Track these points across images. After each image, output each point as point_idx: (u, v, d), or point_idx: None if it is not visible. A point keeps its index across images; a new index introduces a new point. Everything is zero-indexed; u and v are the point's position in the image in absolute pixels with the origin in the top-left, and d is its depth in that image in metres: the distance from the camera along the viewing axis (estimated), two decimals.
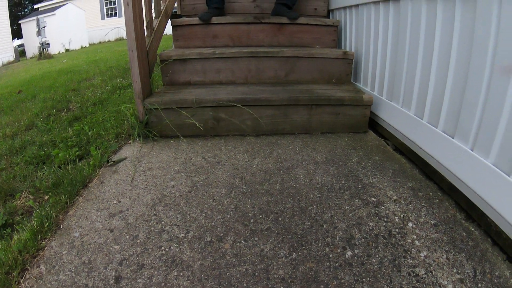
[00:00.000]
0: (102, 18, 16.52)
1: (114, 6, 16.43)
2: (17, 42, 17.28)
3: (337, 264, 0.82)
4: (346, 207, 1.04)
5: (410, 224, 0.96)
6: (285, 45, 2.06)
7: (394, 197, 1.09)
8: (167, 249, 0.89)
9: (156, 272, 0.81)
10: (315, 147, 1.48)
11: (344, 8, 2.03)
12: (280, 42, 2.06)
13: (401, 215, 1.00)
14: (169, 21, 2.01)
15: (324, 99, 1.56)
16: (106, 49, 10.38)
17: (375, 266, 0.81)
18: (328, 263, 0.82)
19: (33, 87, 3.89)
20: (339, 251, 0.86)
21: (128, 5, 1.39)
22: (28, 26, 14.20)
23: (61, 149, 1.59)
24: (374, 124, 1.70)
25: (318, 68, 1.82)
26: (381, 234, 0.92)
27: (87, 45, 14.84)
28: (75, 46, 14.14)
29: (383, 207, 1.04)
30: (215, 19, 1.97)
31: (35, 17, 13.25)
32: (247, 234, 0.93)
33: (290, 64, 1.80)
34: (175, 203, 1.09)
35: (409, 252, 0.85)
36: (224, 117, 1.59)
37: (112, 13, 16.48)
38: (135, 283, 0.78)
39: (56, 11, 13.67)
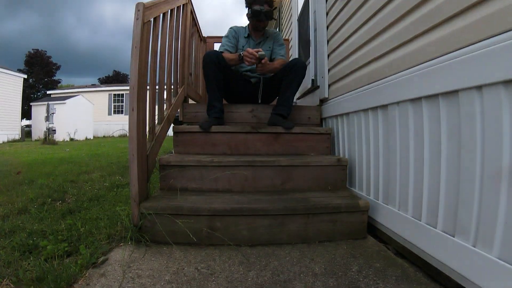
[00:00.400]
0: (109, 113, 17.96)
1: (122, 104, 18.05)
2: (25, 122, 18.23)
3: None
4: None
5: None
6: (281, 153, 2.18)
7: None
8: None
9: None
10: (313, 258, 1.39)
11: (336, 116, 2.25)
12: (276, 150, 2.19)
13: None
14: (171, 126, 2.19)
15: (321, 208, 1.55)
16: (109, 144, 10.85)
17: None
18: None
19: (32, 171, 3.96)
20: None
21: (133, 110, 1.54)
22: (38, 109, 15.03)
23: (51, 241, 1.52)
24: (372, 229, 1.64)
25: (313, 176, 1.88)
26: None
27: (92, 137, 15.57)
28: (80, 136, 14.82)
29: None
30: (214, 128, 2.14)
31: (46, 102, 14.00)
32: None
33: (286, 173, 1.87)
34: None
35: None
36: (219, 227, 1.54)
37: (119, 110, 17.96)
38: None
39: (67, 101, 14.80)
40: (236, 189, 1.85)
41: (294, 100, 3.47)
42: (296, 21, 3.85)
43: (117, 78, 34.79)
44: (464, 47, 1.05)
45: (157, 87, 2.04)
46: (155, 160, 1.85)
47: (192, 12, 3.04)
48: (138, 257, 1.40)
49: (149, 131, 1.83)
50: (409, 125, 1.36)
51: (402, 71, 1.42)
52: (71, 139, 14.34)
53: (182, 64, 2.66)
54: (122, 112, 18.17)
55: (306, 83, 2.96)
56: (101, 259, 1.36)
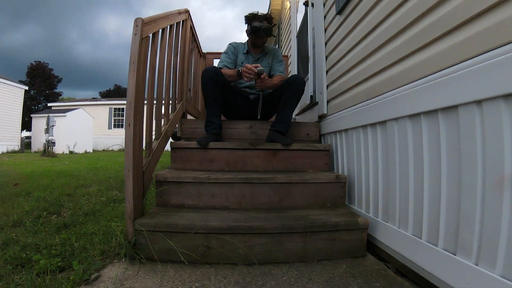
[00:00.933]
0: (109, 127, 17.89)
1: (122, 118, 18.01)
2: (25, 133, 18.10)
3: None
4: None
5: None
6: (279, 170, 2.16)
7: None
8: None
9: None
10: (311, 277, 1.34)
11: (335, 132, 2.24)
12: (275, 167, 2.17)
13: None
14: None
15: (319, 226, 1.52)
16: (108, 158, 10.77)
17: None
18: None
19: (30, 183, 3.93)
20: None
21: (129, 126, 1.52)
22: (39, 121, 14.99)
23: (44, 256, 1.50)
24: (372, 247, 1.60)
25: (312, 193, 1.85)
26: None
27: (91, 151, 15.43)
28: (80, 149, 14.70)
29: None
30: (212, 144, 2.13)
31: (46, 115, 13.99)
32: None
33: (284, 190, 1.84)
34: None
35: None
36: (215, 245, 1.50)
37: (119, 125, 17.89)
38: None
39: (67, 114, 14.75)
40: (233, 206, 1.82)
41: (293, 116, 3.48)
42: (295, 37, 3.91)
43: (118, 92, 35.09)
44: (462, 62, 1.05)
45: (154, 102, 2.04)
46: (152, 176, 1.83)
47: (192, 28, 3.09)
48: (132, 275, 1.36)
49: (146, 146, 1.81)
50: (408, 142, 1.34)
51: (400, 87, 1.42)
52: (71, 152, 14.27)
53: (181, 79, 2.67)
54: (122, 126, 18.20)
55: (305, 100, 2.97)
56: (93, 276, 1.33)
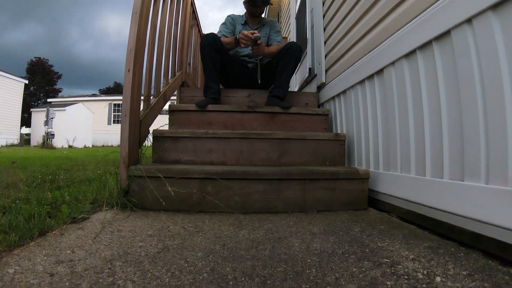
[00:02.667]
0: (109, 123, 17.69)
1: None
2: (25, 130, 17.96)
3: None
4: (354, 269, 0.81)
5: (438, 278, 0.73)
6: None
7: (411, 257, 0.87)
8: None
9: None
10: (311, 222, 1.30)
11: (333, 98, 2.22)
12: (273, 130, 2.13)
13: (425, 271, 0.77)
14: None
15: (318, 173, 1.49)
16: (108, 151, 10.71)
17: None
18: None
19: (27, 162, 3.90)
20: None
21: (129, 71, 1.50)
22: (38, 116, 14.88)
23: (33, 206, 1.44)
24: (374, 202, 1.56)
25: (310, 150, 1.82)
26: None
27: (90, 146, 15.27)
28: (79, 144, 14.57)
29: (400, 266, 0.81)
30: (210, 107, 2.10)
31: (46, 108, 13.91)
32: None
33: (283, 146, 1.81)
34: (138, 261, 0.86)
35: None
36: (211, 192, 1.46)
37: (118, 120, 17.67)
38: None
39: (67, 108, 14.63)
40: (231, 162, 1.79)
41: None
42: (294, 19, 3.90)
43: (118, 89, 34.96)
44: None
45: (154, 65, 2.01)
46: (148, 130, 1.79)
47: (193, 4, 3.09)
48: (122, 218, 1.31)
49: (144, 99, 1.78)
50: (406, 83, 1.33)
51: (395, 32, 1.42)
52: (70, 146, 14.15)
53: (181, 49, 2.66)
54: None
55: (303, 74, 2.95)
56: (81, 216, 1.29)
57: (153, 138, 1.80)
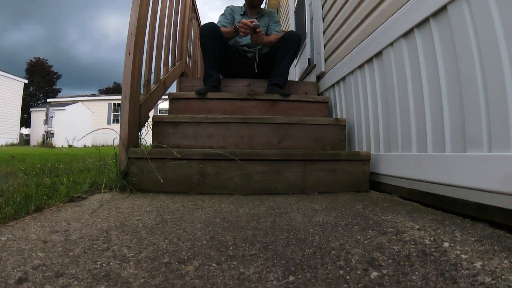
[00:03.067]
0: (109, 122, 17.51)
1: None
2: (25, 131, 17.88)
3: (360, 285, 0.53)
4: (359, 237, 0.79)
5: (446, 244, 0.71)
6: None
7: (417, 227, 0.85)
8: (104, 265, 0.61)
9: (75, 282, 0.53)
10: (312, 201, 1.28)
11: (332, 85, 2.20)
12: None
13: (431, 238, 0.75)
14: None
15: (319, 154, 1.47)
16: (109, 150, 10.67)
17: (419, 282, 0.53)
18: (345, 285, 0.54)
19: (27, 157, 3.93)
20: (359, 272, 0.58)
21: (129, 54, 1.49)
22: (38, 115, 14.77)
23: (31, 189, 1.43)
24: (375, 185, 1.54)
25: (311, 135, 1.80)
26: (413, 254, 0.65)
27: (90, 145, 15.09)
28: (78, 144, 14.43)
29: (405, 234, 0.79)
30: (210, 95, 2.08)
31: (45, 108, 13.79)
32: (222, 259, 0.66)
33: (283, 131, 1.79)
34: (135, 231, 0.84)
35: (458, 265, 0.58)
36: (211, 173, 1.44)
37: (118, 120, 17.54)
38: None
39: (66, 107, 14.50)
40: (231, 147, 1.76)
41: None
42: (293, 13, 3.90)
43: (117, 90, 34.91)
44: None
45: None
46: (148, 115, 1.78)
47: None
48: (120, 198, 1.29)
49: (144, 84, 1.77)
50: (405, 64, 1.33)
51: (393, 13, 1.41)
52: (69, 146, 14.08)
53: (181, 39, 2.65)
54: None
55: (303, 65, 2.94)
56: (78, 195, 1.26)
57: (153, 123, 1.78)
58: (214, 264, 0.63)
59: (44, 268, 0.59)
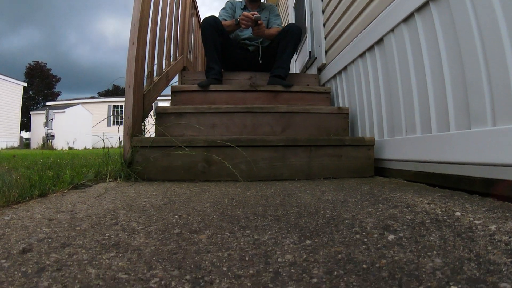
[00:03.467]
0: (108, 124, 17.41)
1: (121, 115, 17.84)
2: (25, 135, 17.84)
3: (378, 245, 0.53)
4: (370, 209, 0.78)
5: (457, 213, 0.71)
6: None
7: (426, 201, 0.85)
8: (112, 236, 0.62)
9: (82, 251, 0.54)
10: (318, 185, 1.28)
11: (334, 76, 2.21)
12: None
13: (443, 209, 0.75)
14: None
15: (324, 140, 1.47)
16: (111, 150, 10.64)
17: (437, 242, 0.53)
18: (364, 246, 0.54)
19: (28, 156, 3.95)
20: (375, 236, 0.58)
21: (133, 44, 1.49)
22: (38, 118, 14.70)
23: (35, 179, 1.43)
24: (380, 171, 1.54)
25: (314, 123, 1.80)
26: (427, 221, 0.65)
27: (90, 147, 15.04)
28: (79, 146, 14.29)
29: (416, 207, 0.79)
30: (213, 87, 2.08)
31: (45, 110, 13.72)
32: (235, 229, 0.66)
33: (286, 120, 1.79)
34: (143, 210, 0.84)
35: (473, 228, 0.59)
36: (216, 160, 1.44)
37: (118, 122, 17.48)
38: (44, 256, 0.51)
39: (66, 110, 14.41)
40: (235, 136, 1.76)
41: None
42: (293, 8, 3.90)
43: (116, 92, 34.85)
44: None
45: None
46: (152, 105, 1.78)
47: None
48: (126, 186, 1.29)
49: (147, 75, 1.77)
50: (407, 48, 1.33)
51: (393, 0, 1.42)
52: (70, 148, 14.05)
53: (182, 35, 2.65)
54: (121, 124, 17.98)
55: (303, 59, 2.95)
56: (82, 182, 1.26)
57: (156, 115, 1.78)
58: (227, 233, 0.63)
59: (49, 240, 0.59)
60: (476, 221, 0.63)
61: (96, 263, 0.49)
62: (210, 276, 0.44)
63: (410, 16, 1.30)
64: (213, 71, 2.23)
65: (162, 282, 0.42)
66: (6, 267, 0.47)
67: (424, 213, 0.72)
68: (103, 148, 1.68)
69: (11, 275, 0.44)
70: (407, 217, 0.70)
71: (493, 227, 0.58)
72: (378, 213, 0.75)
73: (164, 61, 2.14)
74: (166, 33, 2.17)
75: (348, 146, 1.47)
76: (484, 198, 0.87)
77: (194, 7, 3.31)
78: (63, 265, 0.48)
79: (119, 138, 1.54)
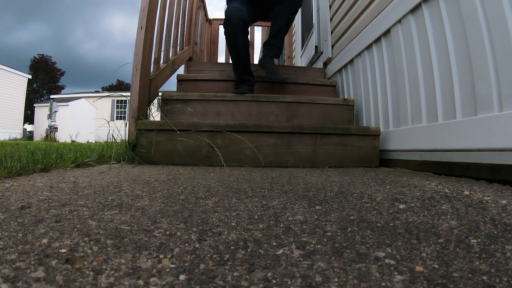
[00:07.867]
0: (112, 119, 17.37)
1: (124, 110, 17.81)
2: (28, 127, 17.86)
3: (390, 211, 0.53)
4: (378, 188, 0.78)
5: (466, 192, 0.70)
6: None
7: (433, 184, 0.84)
8: (115, 199, 0.61)
9: (84, 209, 0.54)
10: (323, 171, 1.27)
11: (339, 70, 2.20)
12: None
13: (450, 189, 0.74)
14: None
15: (329, 128, 1.46)
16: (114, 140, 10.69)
17: (450, 210, 0.52)
18: (375, 211, 0.53)
19: (30, 145, 3.95)
20: (386, 205, 0.58)
21: (141, 28, 1.49)
22: (41, 111, 14.61)
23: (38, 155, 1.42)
24: (385, 162, 1.53)
25: (319, 114, 1.79)
26: (436, 197, 0.65)
27: (93, 142, 15.07)
28: (82, 139, 14.19)
29: (424, 187, 0.78)
30: (218, 77, 2.08)
31: (49, 103, 13.64)
32: (242, 197, 0.65)
33: (292, 110, 1.78)
34: (147, 183, 0.83)
35: (484, 202, 0.58)
36: (221, 145, 1.43)
37: (121, 116, 17.55)
38: (43, 212, 0.51)
39: (70, 103, 14.34)
40: None
41: None
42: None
43: (120, 87, 34.95)
44: None
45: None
46: (157, 90, 1.78)
47: None
48: (129, 166, 1.28)
49: (154, 61, 1.76)
50: (413, 38, 1.33)
51: None
52: (73, 142, 14.07)
53: (189, 25, 2.65)
54: (124, 118, 17.95)
55: (310, 52, 2.94)
56: (86, 161, 1.26)
57: (161, 101, 1.78)
58: (234, 200, 0.62)
59: (50, 200, 0.59)
60: (486, 197, 0.62)
61: (98, 217, 0.48)
62: (218, 229, 0.43)
63: (418, 6, 1.30)
64: (249, 83, 1.89)
65: (167, 232, 0.42)
66: (2, 218, 0.46)
67: (433, 191, 0.71)
68: (108, 132, 1.67)
69: (6, 224, 0.44)
70: (416, 193, 0.69)
71: (504, 202, 0.57)
72: (386, 190, 0.74)
73: (171, 49, 2.14)
74: (174, 22, 2.17)
75: (353, 135, 1.46)
76: (491, 184, 0.86)
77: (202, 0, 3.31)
78: (62, 218, 0.47)
79: (125, 126, 1.53)
